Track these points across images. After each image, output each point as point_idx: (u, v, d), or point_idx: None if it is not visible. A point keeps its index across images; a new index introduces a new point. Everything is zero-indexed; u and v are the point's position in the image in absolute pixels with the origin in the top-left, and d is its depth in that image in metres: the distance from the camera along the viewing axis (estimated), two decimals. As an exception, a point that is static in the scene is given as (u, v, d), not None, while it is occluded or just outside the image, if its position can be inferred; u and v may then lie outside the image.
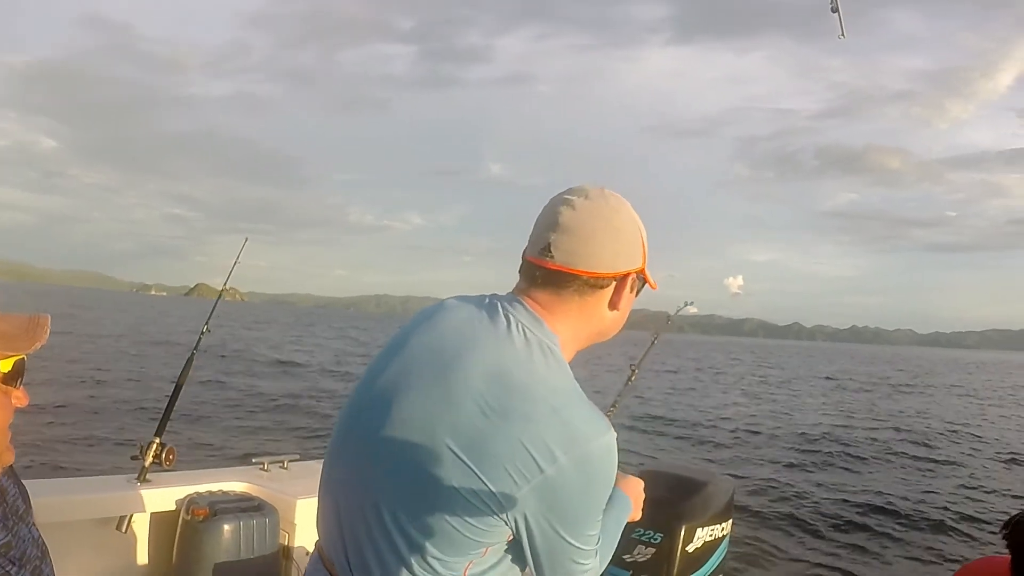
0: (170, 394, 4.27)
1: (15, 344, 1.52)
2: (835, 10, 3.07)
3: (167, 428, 4.09)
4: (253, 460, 4.40)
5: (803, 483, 14.54)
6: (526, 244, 1.73)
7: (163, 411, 4.18)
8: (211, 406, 16.17)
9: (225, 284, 4.77)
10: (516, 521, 1.51)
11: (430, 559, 1.54)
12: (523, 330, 1.62)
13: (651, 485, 3.65)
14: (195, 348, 4.38)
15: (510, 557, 1.62)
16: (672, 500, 3.48)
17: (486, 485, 1.47)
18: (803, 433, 20.67)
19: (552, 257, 1.63)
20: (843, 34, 3.19)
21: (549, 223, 1.65)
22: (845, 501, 13.10)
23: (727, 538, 3.64)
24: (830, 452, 18.18)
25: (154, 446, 3.93)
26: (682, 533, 3.38)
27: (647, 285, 1.77)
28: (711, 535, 3.49)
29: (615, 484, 1.65)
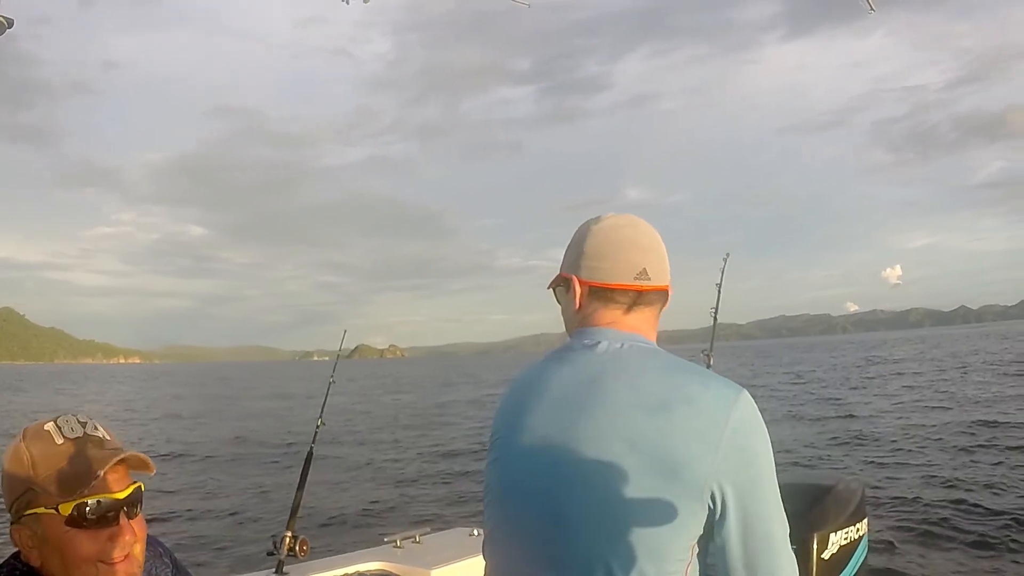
0: (296, 485, 4.42)
1: (65, 488, 1.59)
2: None
3: (298, 518, 4.22)
4: (385, 539, 4.49)
5: (941, 473, 14.04)
6: (593, 273, 1.83)
7: (292, 503, 4.31)
8: (338, 487, 16.39)
9: (333, 372, 5.00)
10: (717, 497, 1.61)
11: None
12: (627, 346, 1.76)
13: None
14: (312, 443, 4.58)
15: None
16: (800, 510, 3.41)
17: (682, 471, 1.59)
18: (938, 424, 19.81)
19: (650, 279, 1.81)
20: (872, 8, 3.15)
21: (634, 248, 1.81)
22: (989, 487, 12.60)
23: (865, 538, 3.56)
24: (972, 438, 17.52)
25: (287, 539, 4.06)
26: (815, 541, 3.32)
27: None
28: (847, 538, 3.41)
29: None
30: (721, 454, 1.60)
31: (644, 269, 1.80)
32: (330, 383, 4.91)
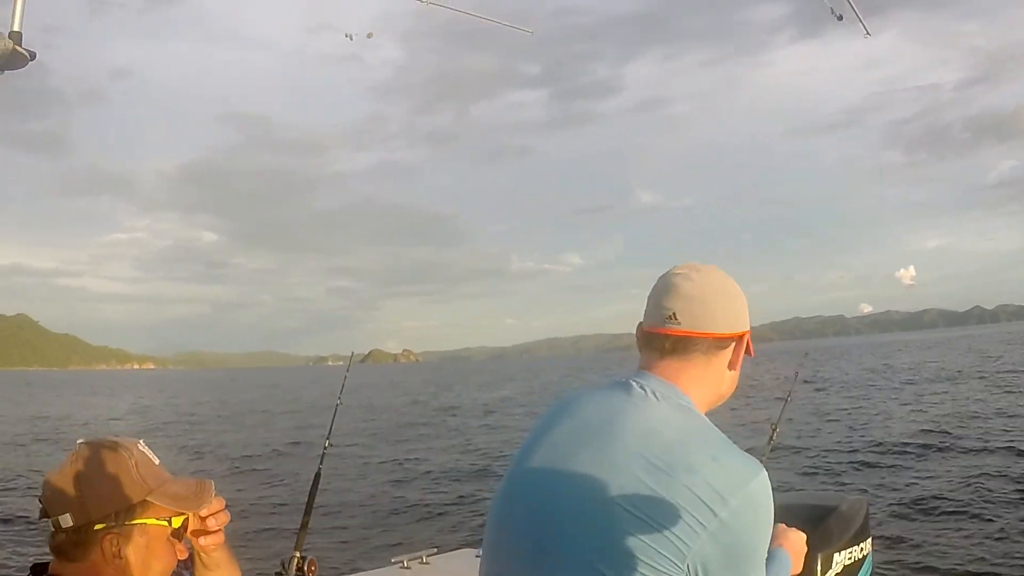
0: (305, 505, 4.45)
1: (185, 504, 1.78)
2: (840, 18, 3.06)
3: (306, 538, 4.24)
4: (393, 560, 4.51)
5: (941, 487, 14.01)
6: (644, 317, 1.88)
7: (300, 524, 4.33)
8: (345, 504, 16.38)
9: (341, 393, 5.01)
10: (697, 570, 1.58)
11: None
12: (659, 396, 1.76)
13: (780, 519, 3.62)
14: (320, 464, 4.62)
15: None
16: (804, 531, 3.44)
17: (667, 539, 1.56)
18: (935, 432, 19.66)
19: (679, 324, 1.79)
20: (868, 33, 3.18)
21: (669, 295, 1.81)
22: (993, 505, 12.57)
23: (868, 557, 3.53)
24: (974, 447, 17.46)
25: (295, 560, 4.06)
26: (819, 562, 3.30)
27: (748, 351, 1.91)
28: (851, 558, 3.39)
29: (775, 540, 1.81)
30: (709, 535, 1.57)
31: (673, 314, 1.79)
32: (337, 405, 4.93)
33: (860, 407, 29.85)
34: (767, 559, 1.74)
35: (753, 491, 1.62)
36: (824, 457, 19.03)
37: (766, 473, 1.67)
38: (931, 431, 21.79)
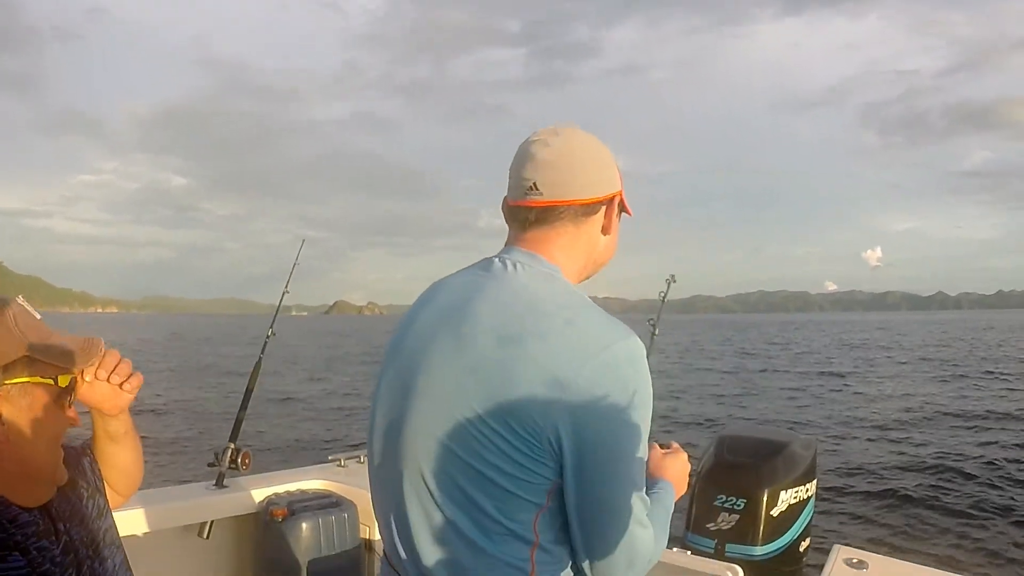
0: (242, 396, 4.31)
1: (72, 360, 1.57)
2: None
3: (241, 432, 4.12)
4: (329, 457, 4.42)
5: (887, 442, 14.33)
6: (507, 191, 1.70)
7: (236, 415, 4.21)
8: (284, 406, 16.43)
9: (288, 283, 4.71)
10: (559, 450, 1.42)
11: (493, 522, 1.46)
12: (520, 267, 1.60)
13: (730, 450, 3.61)
14: (262, 352, 4.42)
15: None
16: (753, 464, 3.40)
17: (519, 414, 1.41)
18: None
19: (541, 194, 1.62)
20: None
21: (528, 165, 1.63)
22: (934, 461, 12.91)
23: (812, 499, 3.55)
24: (920, 411, 17.88)
25: (229, 451, 3.96)
26: (765, 497, 3.30)
27: (625, 212, 1.75)
28: (796, 497, 3.40)
29: (653, 470, 1.67)
30: (564, 408, 1.40)
31: (533, 184, 1.61)
32: (284, 293, 4.69)
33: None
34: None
35: (613, 357, 1.44)
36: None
37: (637, 339, 1.49)
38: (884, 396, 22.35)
